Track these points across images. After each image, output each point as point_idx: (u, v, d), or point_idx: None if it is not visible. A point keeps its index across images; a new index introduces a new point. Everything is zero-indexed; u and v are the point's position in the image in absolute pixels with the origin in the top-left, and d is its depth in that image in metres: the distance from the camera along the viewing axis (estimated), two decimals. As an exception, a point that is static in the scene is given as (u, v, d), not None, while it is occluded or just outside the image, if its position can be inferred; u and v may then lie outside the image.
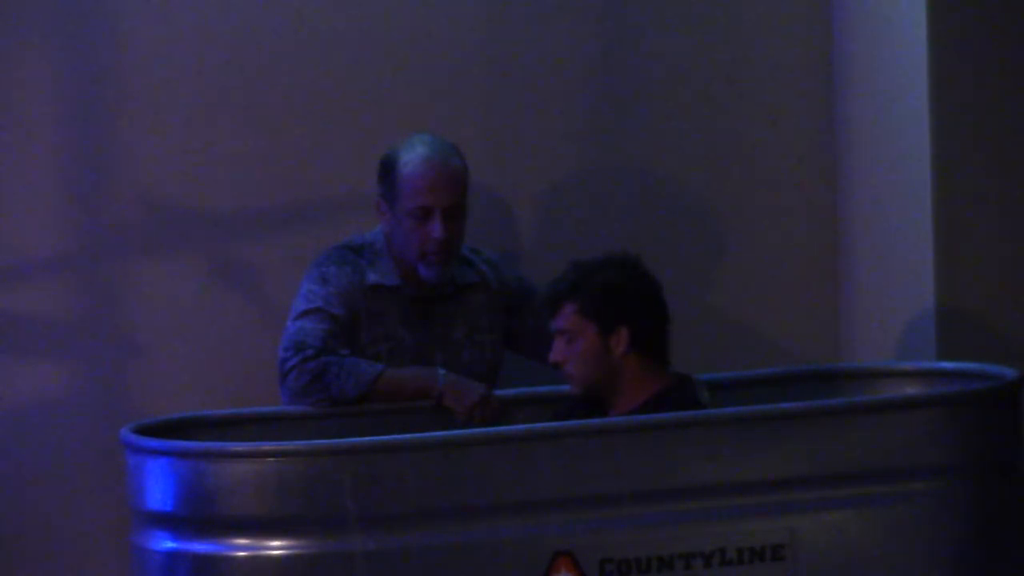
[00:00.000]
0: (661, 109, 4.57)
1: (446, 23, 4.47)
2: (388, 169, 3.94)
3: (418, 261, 3.91)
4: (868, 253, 4.52)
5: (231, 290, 4.40)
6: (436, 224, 3.88)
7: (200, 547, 3.36)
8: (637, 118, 4.57)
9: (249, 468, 3.33)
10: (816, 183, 4.64)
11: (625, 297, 3.62)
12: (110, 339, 4.38)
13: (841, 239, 4.63)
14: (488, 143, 4.48)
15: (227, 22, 4.38)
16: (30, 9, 4.32)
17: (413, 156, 3.91)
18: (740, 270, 4.63)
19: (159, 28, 4.36)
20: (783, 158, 4.64)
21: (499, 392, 3.89)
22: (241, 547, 3.33)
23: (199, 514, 3.36)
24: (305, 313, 3.89)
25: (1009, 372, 3.65)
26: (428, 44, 4.47)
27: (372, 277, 3.96)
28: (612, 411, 3.64)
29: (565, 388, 3.72)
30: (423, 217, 3.89)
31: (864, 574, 3.44)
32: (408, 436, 3.40)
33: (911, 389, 3.97)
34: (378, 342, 3.94)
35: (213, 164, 4.39)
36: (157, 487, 3.41)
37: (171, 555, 3.39)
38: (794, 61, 4.62)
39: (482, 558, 3.34)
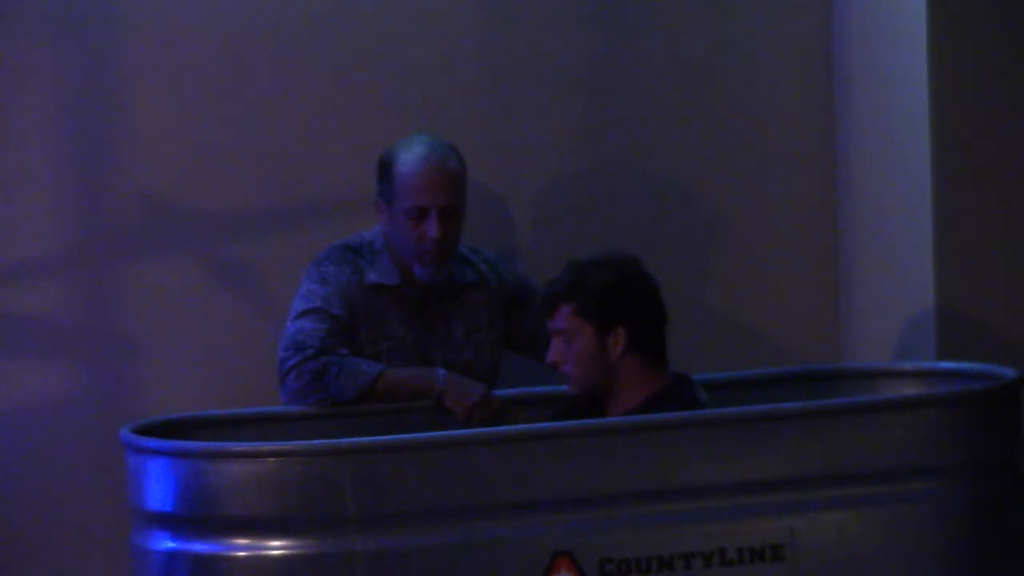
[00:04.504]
0: (660, 109, 4.57)
1: (445, 23, 4.47)
2: (386, 168, 3.94)
3: (414, 260, 3.92)
4: (868, 253, 4.52)
5: (231, 290, 4.40)
6: (432, 224, 3.88)
7: (200, 547, 3.36)
8: (636, 118, 4.57)
9: (249, 468, 3.33)
10: (816, 182, 4.64)
11: (622, 297, 3.62)
12: (110, 339, 4.38)
13: (841, 239, 4.63)
14: (487, 143, 4.48)
15: (227, 22, 4.38)
16: (30, 10, 4.32)
17: (410, 156, 3.91)
18: (740, 270, 4.63)
19: (158, 28, 4.36)
20: (783, 158, 4.64)
21: (499, 392, 3.89)
22: (241, 547, 3.33)
23: (199, 514, 3.36)
24: (305, 313, 3.89)
25: (1009, 372, 3.65)
26: (427, 44, 4.46)
27: (372, 276, 3.96)
28: (610, 411, 3.64)
29: (565, 388, 3.72)
30: (419, 217, 3.89)
31: (864, 574, 3.44)
32: (408, 436, 3.40)
33: (911, 389, 3.97)
34: (378, 341, 3.94)
35: (213, 164, 4.39)
36: (157, 487, 3.41)
37: (171, 555, 3.39)
38: (794, 61, 4.62)
39: (482, 558, 3.34)
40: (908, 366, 4.02)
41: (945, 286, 4.15)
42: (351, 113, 4.43)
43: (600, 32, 4.54)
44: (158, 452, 3.41)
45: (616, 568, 3.36)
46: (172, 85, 4.38)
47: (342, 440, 3.43)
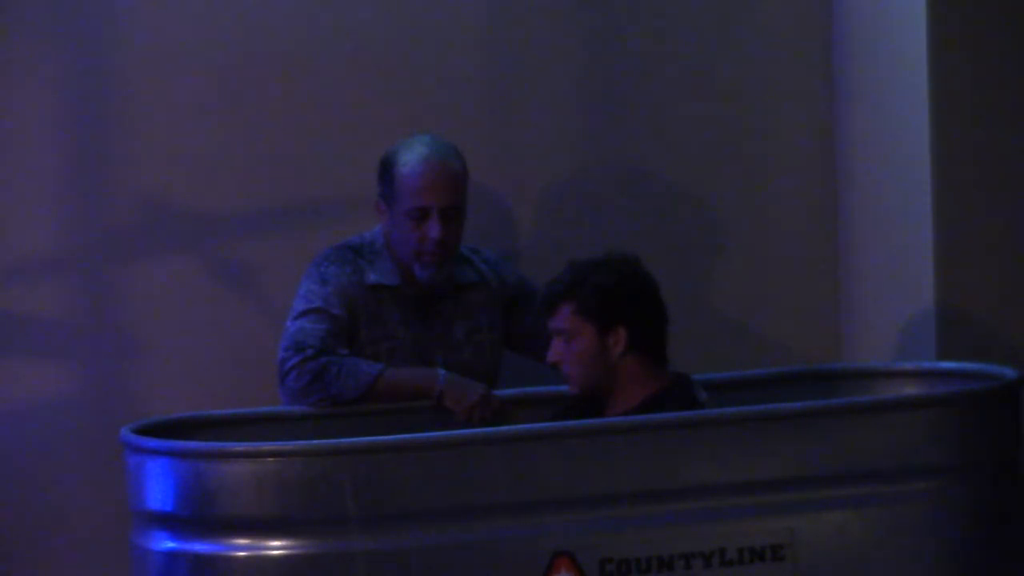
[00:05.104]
0: (661, 110, 4.57)
1: (445, 23, 4.48)
2: (387, 169, 3.94)
3: (414, 261, 3.92)
4: (868, 253, 4.52)
5: (231, 290, 4.40)
6: (433, 225, 3.88)
7: (200, 547, 3.36)
8: (637, 118, 4.57)
9: (249, 468, 3.33)
10: (816, 183, 4.64)
11: (623, 297, 3.62)
12: (110, 339, 4.38)
13: (841, 239, 4.63)
14: (488, 143, 4.48)
15: (227, 22, 4.39)
16: (30, 9, 4.32)
17: (412, 156, 3.91)
18: (740, 270, 4.63)
19: (159, 28, 4.36)
20: (783, 158, 4.64)
21: (499, 392, 3.89)
22: (241, 547, 3.33)
23: (199, 514, 3.36)
24: (305, 313, 3.89)
25: (1009, 372, 3.65)
26: (428, 44, 4.47)
27: (372, 277, 3.96)
28: (610, 411, 3.64)
29: (565, 388, 3.72)
30: (420, 217, 3.89)
31: (864, 574, 3.44)
32: (408, 436, 3.40)
33: (911, 389, 3.97)
34: (378, 342, 3.94)
35: (213, 164, 4.40)
36: (157, 487, 3.41)
37: (171, 555, 3.39)
38: (794, 62, 4.62)
39: (482, 558, 3.34)
40: (908, 366, 4.02)
41: (945, 286, 4.15)
42: (351, 113, 4.43)
43: (601, 33, 4.54)
44: (158, 452, 3.41)
45: (616, 568, 3.36)
46: (173, 85, 4.38)
47: (342, 440, 3.42)
